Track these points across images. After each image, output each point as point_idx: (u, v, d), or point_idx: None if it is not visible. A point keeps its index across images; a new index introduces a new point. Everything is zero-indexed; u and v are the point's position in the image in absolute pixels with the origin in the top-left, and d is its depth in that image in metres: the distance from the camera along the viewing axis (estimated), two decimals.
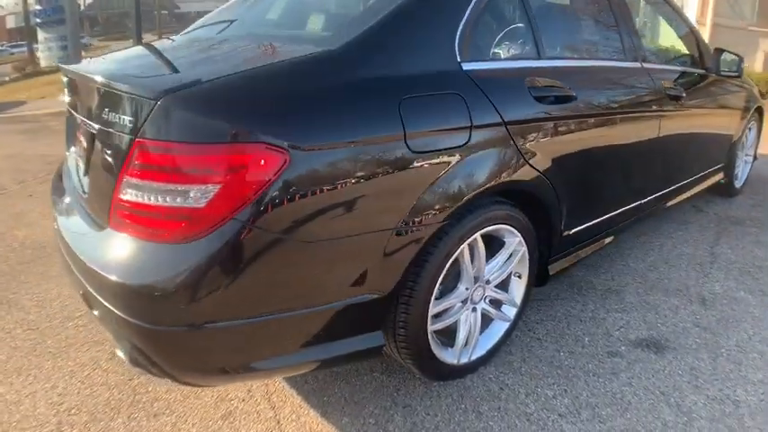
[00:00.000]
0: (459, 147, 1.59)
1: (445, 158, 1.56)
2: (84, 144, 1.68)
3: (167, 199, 1.29)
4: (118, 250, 1.38)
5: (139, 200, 1.33)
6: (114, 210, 1.40)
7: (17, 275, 2.71)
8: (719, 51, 3.07)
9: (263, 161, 1.28)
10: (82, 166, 1.73)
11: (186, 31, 2.43)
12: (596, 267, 2.75)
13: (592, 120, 2.08)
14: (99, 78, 1.52)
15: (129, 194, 1.35)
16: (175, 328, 1.33)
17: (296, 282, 1.40)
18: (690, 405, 1.82)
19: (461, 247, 1.68)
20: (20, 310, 2.39)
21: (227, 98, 1.34)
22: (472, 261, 1.78)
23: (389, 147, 1.45)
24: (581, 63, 2.29)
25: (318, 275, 1.42)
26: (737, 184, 3.87)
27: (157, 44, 2.18)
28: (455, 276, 1.77)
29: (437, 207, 1.56)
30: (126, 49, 2.28)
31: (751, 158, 4.06)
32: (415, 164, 1.49)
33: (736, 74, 3.16)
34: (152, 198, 1.31)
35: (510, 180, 1.75)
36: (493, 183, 1.69)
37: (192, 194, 1.27)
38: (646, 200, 2.64)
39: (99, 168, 1.55)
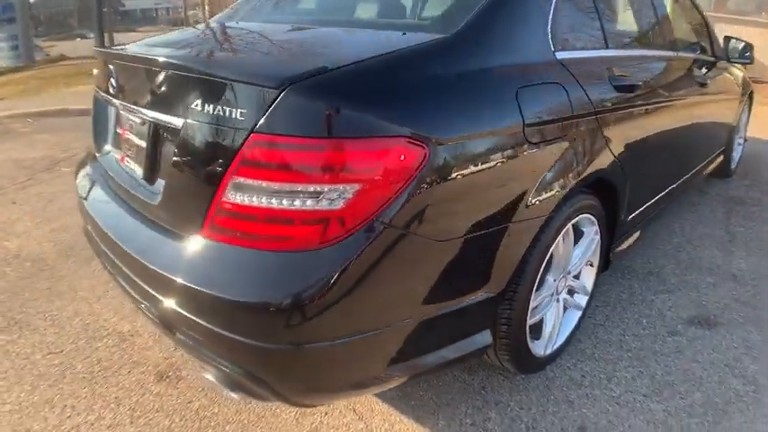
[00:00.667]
0: (565, 136, 1.55)
1: (554, 149, 1.51)
2: (145, 142, 1.47)
3: (295, 202, 1.13)
4: (220, 262, 1.21)
5: (254, 203, 1.16)
6: (214, 215, 1.22)
7: (20, 292, 2.38)
8: (728, 39, 3.19)
9: (403, 156, 1.16)
10: (139, 167, 1.51)
11: (226, 16, 2.22)
12: (630, 252, 2.82)
13: (651, 107, 2.10)
14: (193, 65, 1.32)
15: (238, 197, 1.17)
16: (301, 346, 1.18)
17: (427, 284, 1.30)
18: (753, 374, 1.90)
19: (557, 238, 1.64)
20: (34, 332, 2.09)
21: (361, 88, 1.19)
22: (562, 252, 1.75)
23: (511, 138, 1.38)
24: (638, 52, 2.33)
25: (449, 276, 1.32)
26: (732, 165, 4.06)
27: (214, 30, 1.94)
28: (545, 268, 1.73)
29: (545, 198, 1.50)
30: (164, 35, 2.03)
31: (742, 141, 4.28)
32: (531, 155, 1.43)
33: (748, 61, 3.27)
34: (272, 201, 1.14)
35: (597, 169, 1.73)
36: (587, 172, 1.66)
37: (326, 195, 1.13)
38: (677, 183, 2.72)
39: (182, 169, 1.34)
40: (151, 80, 1.44)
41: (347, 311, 1.17)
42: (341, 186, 1.13)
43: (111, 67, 1.63)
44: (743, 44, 3.20)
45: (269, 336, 1.17)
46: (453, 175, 1.24)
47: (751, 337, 2.12)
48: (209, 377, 1.33)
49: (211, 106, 1.22)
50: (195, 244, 1.26)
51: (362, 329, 1.22)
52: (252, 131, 1.14)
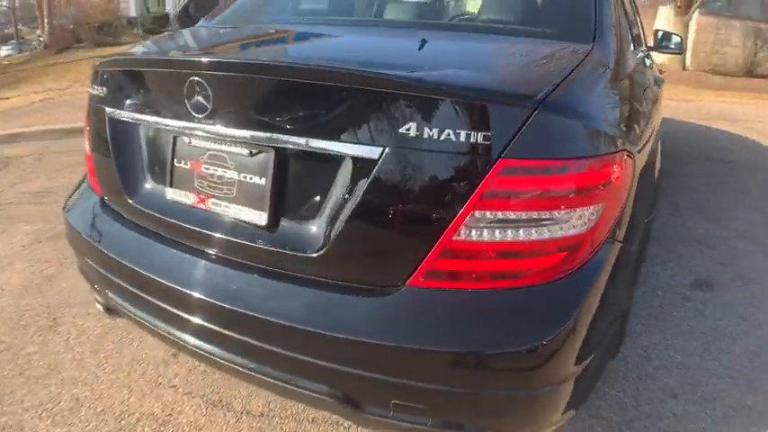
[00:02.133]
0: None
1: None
2: (266, 179, 1.16)
3: (542, 231, 1.01)
4: (448, 311, 1.03)
5: (494, 239, 1.00)
6: (435, 258, 1.02)
7: (24, 347, 1.79)
8: (657, 31, 3.54)
9: (625, 170, 1.15)
10: (255, 211, 1.18)
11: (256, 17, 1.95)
12: None
13: None
14: (409, 81, 1.04)
15: (474, 234, 1.00)
16: (554, 386, 1.06)
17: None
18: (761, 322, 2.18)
19: None
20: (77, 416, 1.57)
21: (592, 103, 1.14)
22: None
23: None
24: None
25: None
26: None
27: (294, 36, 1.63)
28: None
29: None
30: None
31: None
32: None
33: (678, 51, 3.50)
34: (518, 233, 1.00)
35: None
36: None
37: (573, 220, 1.02)
38: None
39: (380, 211, 1.04)
40: (293, 97, 1.11)
41: (596, 339, 1.10)
42: (591, 207, 1.04)
43: (173, 80, 1.23)
44: (674, 37, 3.54)
45: (520, 382, 1.03)
46: (636, 182, 1.26)
47: (746, 292, 2.42)
48: None
49: (435, 131, 0.98)
50: (402, 296, 1.04)
51: (598, 353, 1.15)
52: (500, 157, 0.96)
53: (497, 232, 1.00)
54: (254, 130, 1.14)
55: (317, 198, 1.13)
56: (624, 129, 1.21)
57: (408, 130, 0.99)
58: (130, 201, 1.38)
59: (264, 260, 1.18)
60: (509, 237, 1.00)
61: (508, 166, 0.97)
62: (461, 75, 1.16)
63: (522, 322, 1.02)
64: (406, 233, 1.06)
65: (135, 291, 1.32)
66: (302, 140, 1.09)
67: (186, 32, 1.86)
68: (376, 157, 1.02)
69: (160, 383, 1.77)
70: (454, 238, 1.01)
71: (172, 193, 1.32)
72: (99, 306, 1.60)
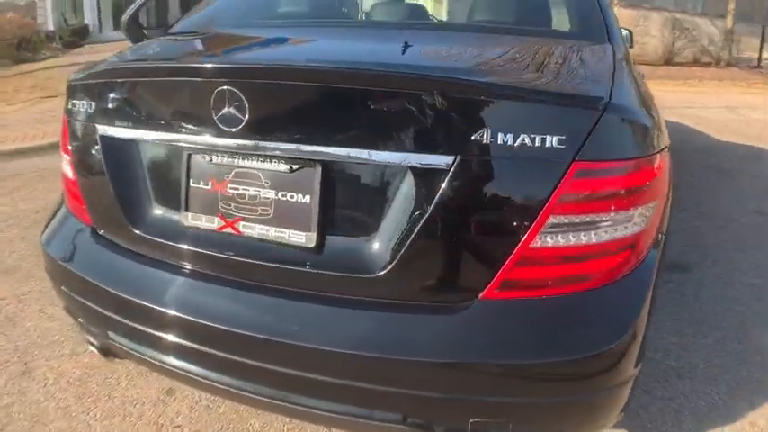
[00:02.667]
0: None
1: None
2: (311, 197, 1.06)
3: (614, 231, 1.00)
4: (528, 320, 1.01)
5: (569, 243, 0.98)
6: (512, 268, 0.98)
7: None
8: None
9: (667, 165, 1.18)
10: (299, 232, 1.07)
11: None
12: None
13: None
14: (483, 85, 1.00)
15: (550, 240, 0.97)
16: (624, 386, 1.07)
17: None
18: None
19: None
20: None
21: (641, 103, 1.15)
22: None
23: None
24: None
25: None
26: None
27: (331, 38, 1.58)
28: None
29: None
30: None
31: None
32: None
33: (630, 45, 3.80)
34: (590, 236, 0.99)
35: None
36: None
37: (635, 218, 1.02)
38: None
39: (449, 224, 0.99)
40: (347, 105, 1.02)
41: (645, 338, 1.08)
42: (650, 204, 1.05)
43: (191, 91, 1.11)
44: (625, 31, 3.70)
45: (608, 382, 1.03)
46: None
47: (720, 268, 2.57)
48: None
49: (509, 136, 0.93)
50: (476, 310, 1.00)
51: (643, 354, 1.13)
52: (574, 160, 0.94)
53: (572, 236, 0.98)
54: (298, 143, 1.03)
55: (375, 213, 1.05)
56: (661, 124, 1.23)
57: (481, 136, 0.94)
58: (135, 230, 1.22)
59: (313, 285, 1.08)
60: (582, 240, 0.99)
61: (582, 169, 0.95)
62: (526, 78, 1.13)
63: (598, 325, 1.02)
64: (480, 244, 1.01)
65: (146, 330, 1.17)
66: (358, 152, 1.00)
67: (181, 39, 1.67)
68: (447, 166, 0.96)
69: (162, 425, 1.62)
70: (531, 245, 0.97)
71: (190, 218, 1.17)
72: (92, 348, 1.43)
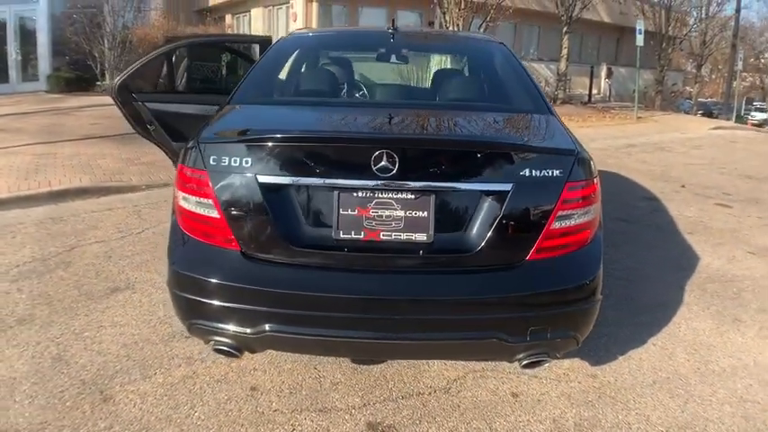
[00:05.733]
0: None
1: None
2: (428, 211, 1.66)
3: (583, 217, 1.78)
4: (549, 269, 1.73)
5: (563, 225, 1.74)
6: (542, 241, 1.70)
7: (95, 423, 1.61)
8: None
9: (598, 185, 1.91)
10: (420, 234, 1.66)
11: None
12: None
13: None
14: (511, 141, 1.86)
15: (557, 224, 1.72)
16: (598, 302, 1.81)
17: None
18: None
19: None
20: None
21: (582, 148, 1.88)
22: None
23: None
24: None
25: None
26: None
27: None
28: None
29: None
30: None
31: None
32: None
33: None
34: (574, 220, 1.79)
35: None
36: None
37: (591, 211, 1.81)
38: None
39: (511, 219, 1.68)
40: (455, 155, 1.70)
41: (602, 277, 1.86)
42: (597, 203, 1.81)
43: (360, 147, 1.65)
44: None
45: (591, 299, 1.76)
46: None
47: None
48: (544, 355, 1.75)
49: (538, 171, 1.68)
50: (527, 266, 1.69)
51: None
52: (566, 181, 1.69)
53: (568, 220, 1.71)
54: (420, 181, 1.63)
55: (467, 218, 1.67)
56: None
57: (524, 173, 1.68)
58: (293, 246, 1.63)
59: (430, 263, 1.68)
60: (572, 222, 1.72)
61: (570, 186, 1.71)
62: (535, 138, 1.89)
63: (585, 267, 1.79)
64: (527, 230, 1.70)
65: (309, 313, 1.60)
66: (456, 185, 1.69)
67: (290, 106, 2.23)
68: (508, 189, 1.66)
69: (262, 412, 1.90)
70: (551, 227, 1.69)
71: (341, 234, 1.65)
72: (220, 350, 1.73)
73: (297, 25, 15.31)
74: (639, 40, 13.06)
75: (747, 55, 23.17)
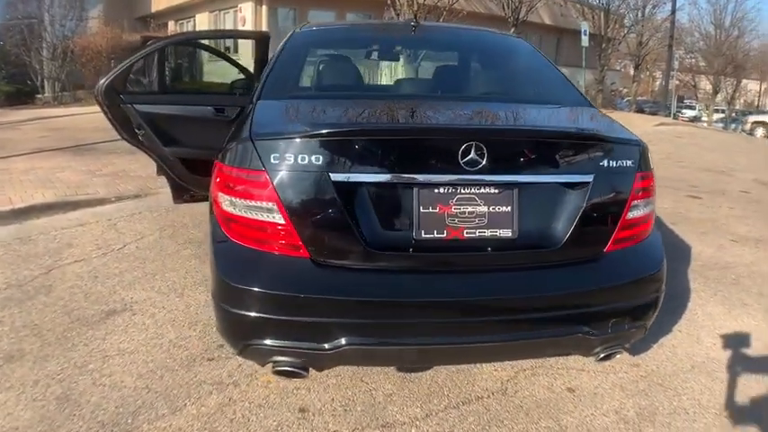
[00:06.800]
0: None
1: None
2: (511, 206, 1.56)
3: (648, 207, 1.76)
4: (631, 258, 1.70)
5: (635, 215, 1.72)
6: (619, 231, 1.65)
7: None
8: None
9: None
10: (505, 230, 1.55)
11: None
12: None
13: None
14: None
15: (630, 214, 1.67)
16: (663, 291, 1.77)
17: None
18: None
19: None
20: None
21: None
22: None
23: None
24: None
25: None
26: None
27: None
28: None
29: None
30: None
31: None
32: None
33: None
34: (643, 209, 1.76)
35: None
36: None
37: (652, 201, 1.79)
38: None
39: (593, 212, 1.60)
40: (538, 148, 1.58)
41: None
42: (655, 195, 1.79)
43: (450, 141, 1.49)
44: None
45: (660, 287, 1.72)
46: None
47: None
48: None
49: (614, 162, 1.62)
50: (606, 258, 1.62)
51: None
52: (637, 171, 1.66)
53: (638, 210, 1.67)
54: (504, 175, 1.50)
55: (550, 212, 1.56)
56: None
57: (603, 163, 1.61)
58: (370, 249, 1.43)
59: (514, 261, 1.53)
60: (641, 212, 1.69)
61: (640, 176, 1.67)
62: (602, 129, 1.81)
63: (654, 256, 1.76)
64: (606, 221, 1.63)
65: (393, 321, 1.43)
66: (538, 178, 1.58)
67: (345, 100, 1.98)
68: (590, 181, 1.58)
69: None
70: (626, 217, 1.64)
71: (422, 234, 1.47)
72: (288, 369, 1.51)
73: (246, 29, 14.84)
74: (585, 41, 13.52)
75: (680, 55, 24.68)
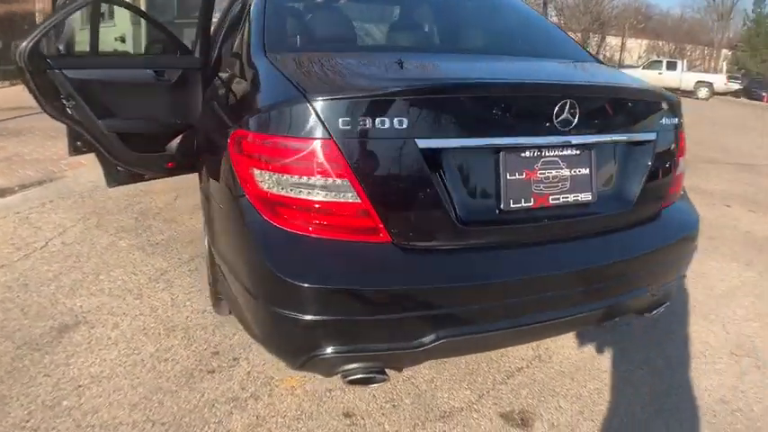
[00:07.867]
0: None
1: None
2: (588, 168, 1.45)
3: (683, 166, 1.74)
4: (679, 218, 1.69)
5: (680, 171, 1.72)
6: (672, 187, 1.66)
7: None
8: None
9: None
10: (586, 193, 1.44)
11: None
12: None
13: None
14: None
15: (678, 170, 1.68)
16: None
17: None
18: None
19: None
20: None
21: None
22: None
23: None
24: None
25: None
26: None
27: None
28: None
29: None
30: None
31: None
32: None
33: None
34: (682, 167, 1.74)
35: None
36: None
37: (684, 160, 1.75)
38: None
39: (656, 172, 1.56)
40: (612, 107, 1.47)
41: None
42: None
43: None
44: None
45: (697, 240, 1.72)
46: None
47: None
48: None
49: (668, 119, 1.58)
50: (663, 216, 1.61)
51: None
52: (679, 129, 1.64)
53: (680, 168, 1.67)
54: (585, 135, 1.40)
55: (621, 171, 1.52)
56: None
57: (661, 121, 1.57)
58: (462, 225, 1.22)
59: (595, 226, 1.45)
60: (682, 169, 1.69)
61: (682, 134, 1.66)
62: (650, 85, 1.70)
63: (694, 210, 1.77)
64: (668, 176, 1.61)
65: (485, 306, 1.26)
66: (611, 137, 1.48)
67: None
68: (653, 138, 1.54)
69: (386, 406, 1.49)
70: (676, 175, 1.64)
71: (511, 204, 1.29)
72: (365, 375, 1.24)
73: None
74: None
75: (550, 14, 26.15)
